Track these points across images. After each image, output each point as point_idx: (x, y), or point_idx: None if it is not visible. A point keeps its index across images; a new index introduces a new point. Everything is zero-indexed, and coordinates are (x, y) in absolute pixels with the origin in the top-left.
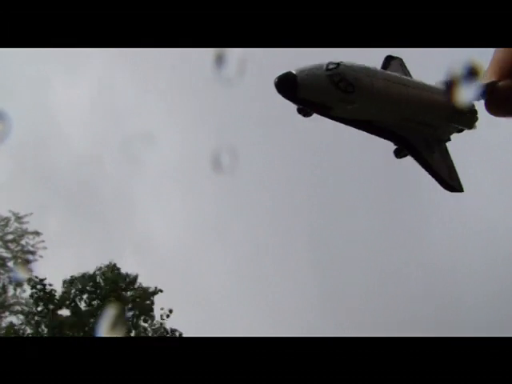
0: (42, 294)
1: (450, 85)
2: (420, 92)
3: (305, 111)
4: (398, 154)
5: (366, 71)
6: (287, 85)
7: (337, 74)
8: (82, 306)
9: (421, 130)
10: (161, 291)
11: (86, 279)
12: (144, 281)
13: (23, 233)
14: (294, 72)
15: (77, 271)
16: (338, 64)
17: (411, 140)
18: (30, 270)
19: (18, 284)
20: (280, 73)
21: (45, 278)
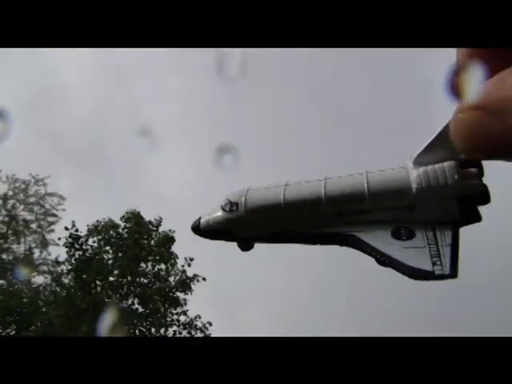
0: (75, 243)
1: (453, 85)
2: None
3: (243, 247)
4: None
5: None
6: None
7: (226, 204)
8: (109, 255)
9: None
10: (173, 239)
11: (110, 228)
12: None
13: (44, 195)
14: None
15: (102, 219)
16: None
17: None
18: (53, 231)
19: (44, 245)
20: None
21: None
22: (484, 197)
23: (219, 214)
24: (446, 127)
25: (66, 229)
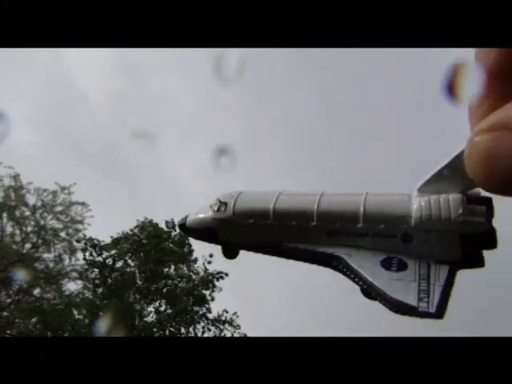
0: (96, 256)
1: (450, 85)
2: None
3: (228, 253)
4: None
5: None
6: (181, 224)
7: (216, 203)
8: (130, 264)
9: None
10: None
11: (130, 239)
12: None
13: (71, 203)
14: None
15: (118, 232)
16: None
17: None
18: (81, 239)
19: (73, 252)
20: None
21: (97, 241)
22: (490, 240)
23: (207, 213)
24: (459, 154)
25: (86, 244)
